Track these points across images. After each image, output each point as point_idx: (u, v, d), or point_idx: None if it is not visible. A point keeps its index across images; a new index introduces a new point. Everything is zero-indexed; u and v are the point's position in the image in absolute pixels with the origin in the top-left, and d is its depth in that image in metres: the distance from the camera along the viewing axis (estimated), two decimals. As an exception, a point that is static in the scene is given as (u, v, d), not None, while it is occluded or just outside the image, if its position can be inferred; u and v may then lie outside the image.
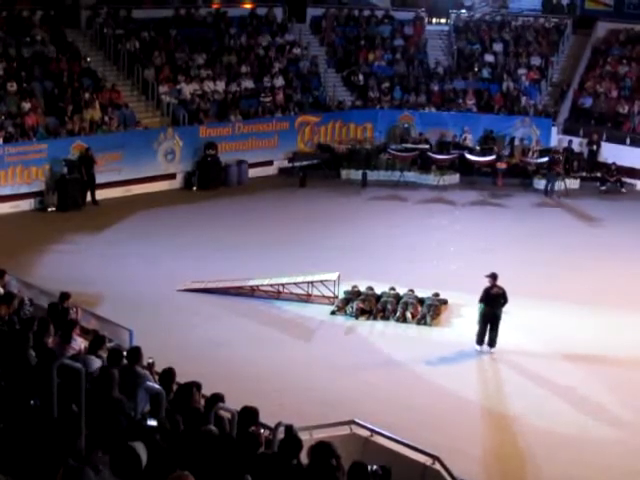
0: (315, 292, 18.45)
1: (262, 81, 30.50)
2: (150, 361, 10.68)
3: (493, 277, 16.08)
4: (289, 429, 8.35)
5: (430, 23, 36.36)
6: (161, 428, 7.37)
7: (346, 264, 19.48)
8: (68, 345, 10.87)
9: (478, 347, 16.19)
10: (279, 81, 30.77)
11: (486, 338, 16.14)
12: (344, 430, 11.49)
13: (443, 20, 36.85)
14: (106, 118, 26.20)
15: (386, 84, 32.25)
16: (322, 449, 7.54)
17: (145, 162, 26.35)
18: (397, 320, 17.47)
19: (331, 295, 18.35)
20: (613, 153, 29.00)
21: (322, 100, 31.42)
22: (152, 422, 7.57)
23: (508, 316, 16.52)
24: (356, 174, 28.68)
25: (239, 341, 16.32)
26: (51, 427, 6.74)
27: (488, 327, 16.07)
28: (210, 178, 27.31)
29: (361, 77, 32.48)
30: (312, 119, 30.31)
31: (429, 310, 17.58)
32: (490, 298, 16.03)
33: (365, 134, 31.06)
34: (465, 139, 30.14)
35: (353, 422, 11.52)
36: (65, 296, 13.81)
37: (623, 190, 28.12)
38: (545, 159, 28.49)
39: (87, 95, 26.29)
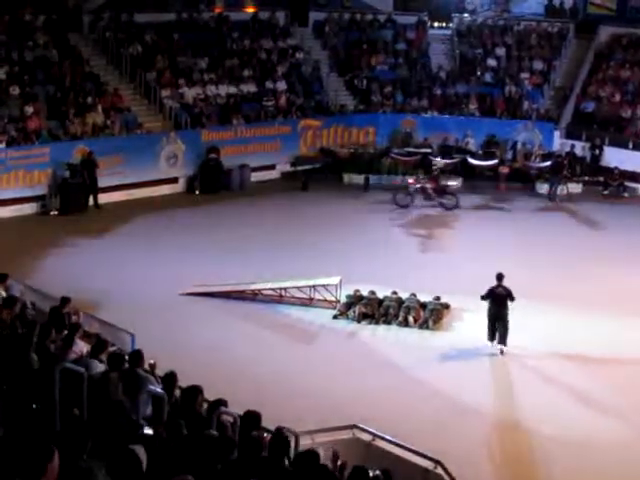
0: (317, 296, 18.44)
1: (264, 85, 30.52)
2: (151, 362, 10.66)
3: (498, 277, 16.28)
4: (278, 430, 8.31)
5: (432, 27, 36.31)
6: (157, 436, 7.35)
7: (348, 268, 19.45)
8: (70, 349, 10.86)
9: (490, 343, 16.38)
10: (281, 85, 30.78)
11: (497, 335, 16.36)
12: (346, 434, 11.50)
13: (445, 24, 36.82)
14: (108, 122, 26.24)
15: (388, 88, 32.24)
16: (306, 457, 7.53)
17: (147, 166, 26.35)
18: (399, 324, 17.45)
19: (333, 299, 18.34)
20: (616, 157, 28.96)
21: (324, 104, 31.42)
22: (148, 430, 7.56)
23: (511, 319, 16.53)
24: (358, 178, 28.64)
25: (241, 345, 16.30)
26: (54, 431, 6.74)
27: (496, 324, 16.29)
28: (212, 182, 27.32)
29: (364, 81, 32.48)
30: (314, 123, 30.30)
31: (431, 314, 17.57)
32: (494, 297, 16.26)
33: (367, 138, 31.05)
34: (467, 143, 30.15)
35: (355, 426, 11.52)
36: (65, 301, 13.80)
37: (625, 194, 28.09)
38: (548, 163, 28.50)
39: (89, 99, 26.32)
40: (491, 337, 16.37)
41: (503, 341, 16.28)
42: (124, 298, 17.97)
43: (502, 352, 16.28)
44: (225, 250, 21.48)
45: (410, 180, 26.42)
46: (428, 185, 26.04)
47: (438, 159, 28.03)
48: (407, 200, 25.95)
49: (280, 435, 7.98)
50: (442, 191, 26.19)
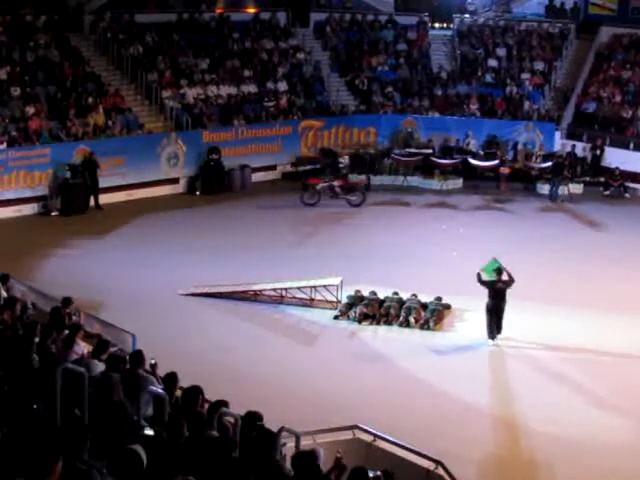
0: (318, 297, 18.43)
1: (265, 86, 30.54)
2: (152, 362, 10.66)
3: (498, 272, 16.53)
4: (261, 427, 8.28)
5: (433, 28, 36.37)
6: (157, 437, 7.34)
7: (349, 269, 19.43)
8: (71, 349, 10.87)
9: (491, 342, 16.63)
10: (282, 86, 30.79)
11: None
12: (347, 435, 11.49)
13: (446, 25, 36.84)
14: (109, 122, 26.24)
15: (389, 89, 32.25)
16: (304, 458, 7.53)
17: (148, 167, 26.36)
18: (400, 325, 17.45)
19: (334, 300, 18.33)
20: (617, 158, 28.95)
21: (325, 105, 31.43)
22: (148, 431, 7.55)
23: (511, 320, 16.60)
24: (360, 179, 28.64)
25: (242, 345, 16.30)
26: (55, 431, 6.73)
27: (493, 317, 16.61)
28: (213, 183, 27.33)
29: (365, 81, 32.48)
30: (315, 124, 30.31)
31: (432, 315, 17.56)
32: (494, 292, 16.53)
33: (368, 139, 31.06)
34: (468, 144, 30.14)
35: (356, 427, 11.51)
36: (67, 301, 13.82)
37: (627, 195, 28.10)
38: (548, 164, 28.51)
39: (91, 100, 26.32)
40: (491, 335, 16.57)
41: (499, 330, 16.63)
42: (125, 298, 17.98)
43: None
44: (226, 250, 21.48)
45: (316, 179, 26.60)
46: (336, 183, 26.22)
47: (345, 158, 28.13)
48: (314, 199, 26.04)
49: (265, 430, 7.97)
50: (350, 189, 26.36)
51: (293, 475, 7.37)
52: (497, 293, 16.50)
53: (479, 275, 16.71)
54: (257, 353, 15.99)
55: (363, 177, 27.67)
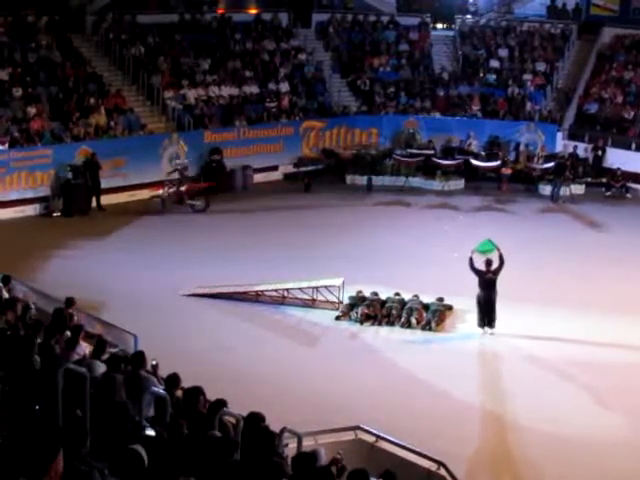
0: (320, 297, 18.42)
1: (267, 86, 30.55)
2: (154, 363, 10.66)
3: (487, 264, 16.87)
4: (265, 428, 8.27)
5: (435, 28, 36.43)
6: (159, 438, 7.35)
7: (351, 269, 19.43)
8: (72, 350, 10.86)
9: (481, 330, 16.98)
10: (284, 86, 30.81)
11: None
12: (349, 435, 11.49)
13: (448, 25, 36.86)
14: (111, 123, 26.26)
15: (391, 89, 32.28)
16: (304, 459, 7.52)
17: (150, 167, 26.36)
18: (402, 326, 17.43)
19: (336, 300, 18.32)
20: (618, 158, 28.97)
21: (327, 105, 31.44)
22: (150, 432, 7.55)
23: (512, 320, 16.59)
24: (361, 179, 28.69)
25: (243, 346, 16.29)
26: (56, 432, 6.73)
27: (485, 309, 16.88)
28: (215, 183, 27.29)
29: (366, 82, 32.49)
30: (317, 124, 30.33)
31: (434, 316, 17.56)
32: (483, 282, 16.81)
33: (370, 139, 31.07)
34: (470, 144, 30.14)
35: (358, 428, 11.51)
36: (70, 302, 13.82)
37: (628, 195, 28.08)
38: (550, 164, 28.51)
39: (92, 100, 26.34)
40: (481, 323, 16.93)
41: (491, 324, 16.86)
42: (127, 299, 17.97)
43: (492, 334, 16.91)
44: (228, 251, 21.48)
45: (161, 186, 25.47)
46: (183, 188, 25.48)
47: (185, 160, 26.69)
48: (159, 206, 25.06)
49: (265, 431, 7.97)
50: (196, 194, 25.69)
51: (293, 475, 7.37)
52: (487, 284, 16.69)
53: (471, 260, 16.91)
54: (258, 353, 15.99)
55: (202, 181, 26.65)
